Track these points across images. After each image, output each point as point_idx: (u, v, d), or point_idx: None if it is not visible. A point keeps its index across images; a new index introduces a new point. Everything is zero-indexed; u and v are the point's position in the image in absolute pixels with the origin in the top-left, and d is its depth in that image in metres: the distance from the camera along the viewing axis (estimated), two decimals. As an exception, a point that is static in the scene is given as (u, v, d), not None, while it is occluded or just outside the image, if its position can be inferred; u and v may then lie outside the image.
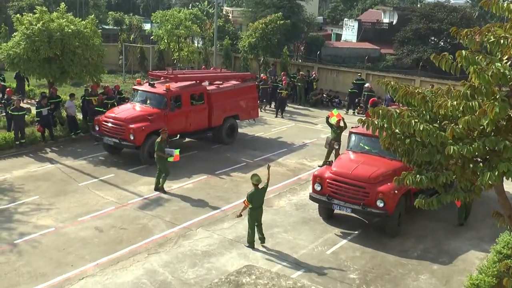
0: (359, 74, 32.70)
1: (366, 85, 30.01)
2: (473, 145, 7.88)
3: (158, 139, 17.04)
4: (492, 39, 7.81)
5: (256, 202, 13.50)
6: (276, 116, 28.40)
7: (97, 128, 20.21)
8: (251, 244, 13.65)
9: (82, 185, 17.39)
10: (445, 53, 8.36)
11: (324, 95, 32.44)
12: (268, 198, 16.41)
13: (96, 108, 21.95)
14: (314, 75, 33.27)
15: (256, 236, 13.74)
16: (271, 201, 16.71)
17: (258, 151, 22.06)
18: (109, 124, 19.75)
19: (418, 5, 62.09)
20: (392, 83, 9.17)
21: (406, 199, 14.74)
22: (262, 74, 31.86)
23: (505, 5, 8.09)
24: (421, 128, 8.07)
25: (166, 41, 35.19)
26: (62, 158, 20.00)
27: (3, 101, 23.29)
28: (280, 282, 11.43)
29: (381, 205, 14.00)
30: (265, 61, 35.87)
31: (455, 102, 7.91)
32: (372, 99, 27.07)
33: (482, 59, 7.84)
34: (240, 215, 13.79)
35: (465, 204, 14.64)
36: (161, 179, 17.11)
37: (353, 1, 74.17)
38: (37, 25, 21.60)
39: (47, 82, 24.58)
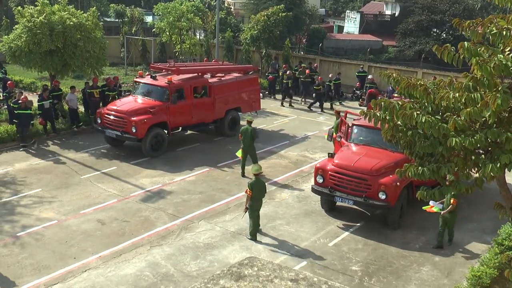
0: (361, 66, 32.64)
1: (369, 77, 30.00)
2: (475, 137, 7.86)
3: (251, 128, 17.91)
4: (495, 31, 7.77)
5: (256, 192, 13.54)
6: (309, 108, 28.51)
7: (99, 121, 20.23)
8: (253, 237, 13.68)
9: (84, 178, 17.42)
10: (447, 44, 8.33)
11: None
12: (270, 190, 16.44)
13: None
14: (315, 68, 33.14)
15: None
16: (273, 193, 16.73)
17: (260, 143, 22.03)
18: (111, 117, 19.75)
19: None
20: (394, 75, 9.17)
21: (408, 191, 14.76)
22: (305, 66, 31.83)
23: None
24: (423, 120, 8.05)
25: (168, 33, 35.10)
26: (64, 151, 20.03)
27: (4, 94, 23.27)
28: (282, 273, 11.44)
29: (383, 197, 14.01)
30: (267, 54, 35.81)
31: (457, 94, 7.90)
32: (369, 90, 27.27)
33: (484, 51, 7.81)
34: (246, 208, 13.69)
35: (446, 223, 13.52)
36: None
37: (355, -7, 73.98)
38: (39, 17, 21.55)
39: (49, 75, 24.57)
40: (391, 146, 12.84)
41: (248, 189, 13.54)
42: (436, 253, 13.40)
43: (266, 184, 14.20)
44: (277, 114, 27.31)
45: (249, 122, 18.10)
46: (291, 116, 27.17)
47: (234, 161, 19.47)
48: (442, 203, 13.44)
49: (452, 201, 13.15)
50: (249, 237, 13.69)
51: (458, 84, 8.02)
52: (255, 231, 13.72)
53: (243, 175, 18.01)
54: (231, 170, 18.75)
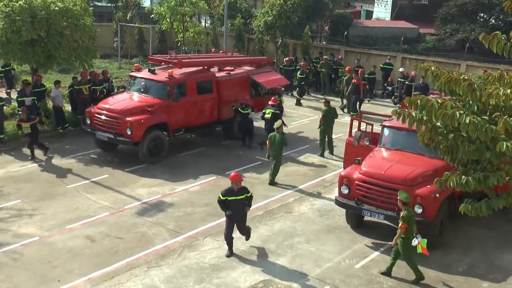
0: (388, 57, 32.55)
1: (412, 73, 29.82)
2: (530, 141, 7.80)
3: (333, 107, 21.54)
4: (553, 15, 7.72)
5: (272, 143, 18.01)
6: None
7: (89, 122, 20.29)
8: (270, 182, 18.17)
9: (71, 187, 17.49)
10: (497, 32, 8.26)
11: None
12: (287, 202, 16.49)
13: None
14: (340, 60, 33.09)
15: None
16: (291, 206, 16.70)
17: (275, 148, 22.03)
18: (103, 117, 19.81)
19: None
20: (432, 68, 9.11)
21: (449, 204, 14.64)
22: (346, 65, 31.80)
23: None
24: (468, 121, 8.00)
25: (168, 20, 35.24)
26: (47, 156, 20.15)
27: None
28: (301, 301, 11.42)
29: (420, 211, 13.91)
30: (283, 43, 35.81)
31: (508, 91, 7.84)
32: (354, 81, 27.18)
33: (541, 39, 7.75)
34: (268, 155, 18.28)
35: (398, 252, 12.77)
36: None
37: (386, -28, 73.85)
38: (18, 1, 21.66)
39: (30, 68, 24.71)
40: (429, 151, 12.79)
41: (267, 141, 18.11)
42: (483, 278, 13.22)
43: (285, 137, 18.50)
44: (294, 114, 27.28)
45: (328, 102, 21.68)
46: (311, 116, 27.13)
47: (244, 168, 19.46)
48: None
49: (400, 224, 12.47)
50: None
51: (509, 78, 7.95)
52: (272, 178, 18.18)
53: (322, 155, 21.40)
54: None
